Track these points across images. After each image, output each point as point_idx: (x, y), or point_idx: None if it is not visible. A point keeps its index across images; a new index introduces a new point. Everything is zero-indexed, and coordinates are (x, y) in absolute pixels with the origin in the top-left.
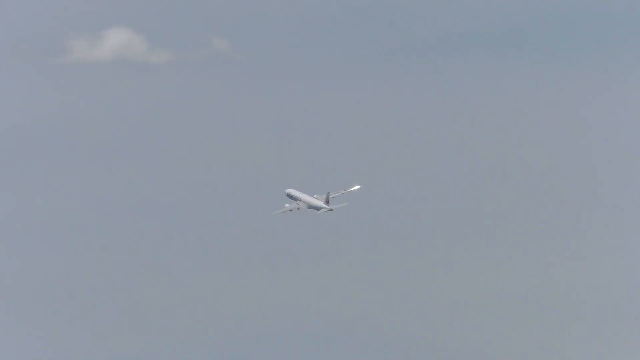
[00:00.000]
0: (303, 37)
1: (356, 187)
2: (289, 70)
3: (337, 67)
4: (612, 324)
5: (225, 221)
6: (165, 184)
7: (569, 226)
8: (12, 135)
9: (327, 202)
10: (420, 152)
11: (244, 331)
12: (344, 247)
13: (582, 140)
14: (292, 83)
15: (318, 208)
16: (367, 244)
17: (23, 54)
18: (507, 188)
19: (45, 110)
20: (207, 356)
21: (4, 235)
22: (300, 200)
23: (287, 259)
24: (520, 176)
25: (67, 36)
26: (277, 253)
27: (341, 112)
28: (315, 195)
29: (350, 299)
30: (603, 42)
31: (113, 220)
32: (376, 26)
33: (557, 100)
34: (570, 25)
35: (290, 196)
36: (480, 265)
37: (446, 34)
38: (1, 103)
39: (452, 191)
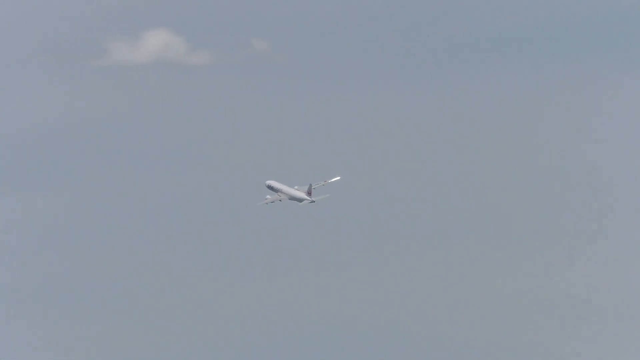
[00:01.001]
0: (342, 38)
1: (336, 179)
2: (327, 71)
3: (375, 67)
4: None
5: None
6: (207, 182)
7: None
8: (54, 136)
9: (309, 193)
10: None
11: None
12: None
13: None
14: (330, 84)
15: (300, 199)
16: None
17: (63, 56)
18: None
19: (86, 112)
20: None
21: (47, 232)
22: (281, 191)
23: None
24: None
25: (106, 38)
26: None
27: (383, 112)
28: (295, 187)
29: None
30: None
31: (157, 216)
32: (415, 27)
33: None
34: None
35: (271, 188)
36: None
37: (476, 35)
38: (43, 105)
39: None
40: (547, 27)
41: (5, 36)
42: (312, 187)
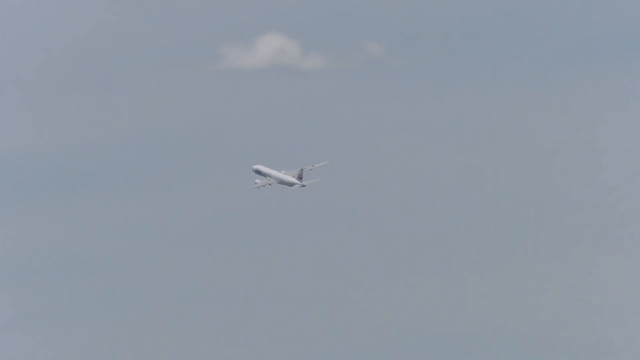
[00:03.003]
0: (456, 42)
1: (324, 163)
2: (442, 75)
3: (490, 71)
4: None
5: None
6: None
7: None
8: (171, 140)
9: (299, 178)
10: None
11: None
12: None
13: None
14: (445, 87)
15: (290, 184)
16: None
17: (178, 62)
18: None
19: (200, 117)
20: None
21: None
22: (270, 176)
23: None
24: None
25: (221, 44)
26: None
27: (497, 115)
28: (282, 171)
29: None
30: None
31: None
32: (531, 30)
33: None
34: None
35: (258, 172)
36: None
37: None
38: (158, 111)
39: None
40: None
41: (122, 43)
42: (303, 171)
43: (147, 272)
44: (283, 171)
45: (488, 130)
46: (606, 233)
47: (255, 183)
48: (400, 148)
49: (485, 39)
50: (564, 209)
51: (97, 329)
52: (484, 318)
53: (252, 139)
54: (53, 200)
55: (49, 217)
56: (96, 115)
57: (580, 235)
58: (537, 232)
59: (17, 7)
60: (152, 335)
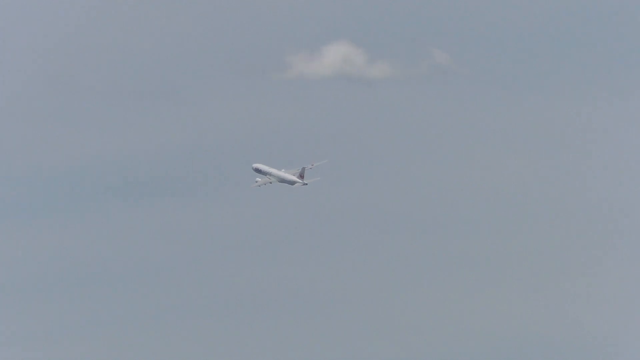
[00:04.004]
0: (523, 50)
1: (324, 161)
2: (509, 83)
3: (557, 78)
4: None
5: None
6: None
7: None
8: (237, 147)
9: (301, 176)
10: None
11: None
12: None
13: None
14: (512, 95)
15: (292, 182)
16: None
17: (246, 70)
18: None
19: (267, 125)
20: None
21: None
22: (270, 174)
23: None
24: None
25: (288, 52)
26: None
27: (567, 123)
28: (282, 170)
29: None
30: None
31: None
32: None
33: None
34: None
35: (258, 171)
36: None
37: None
38: (226, 118)
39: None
40: None
41: (190, 52)
42: (304, 169)
43: (227, 279)
44: (283, 170)
45: (555, 137)
46: None
47: (256, 181)
48: (468, 154)
49: (552, 46)
50: None
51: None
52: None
53: (319, 145)
54: (123, 206)
55: (121, 221)
56: (164, 122)
57: None
58: (609, 239)
59: (89, 19)
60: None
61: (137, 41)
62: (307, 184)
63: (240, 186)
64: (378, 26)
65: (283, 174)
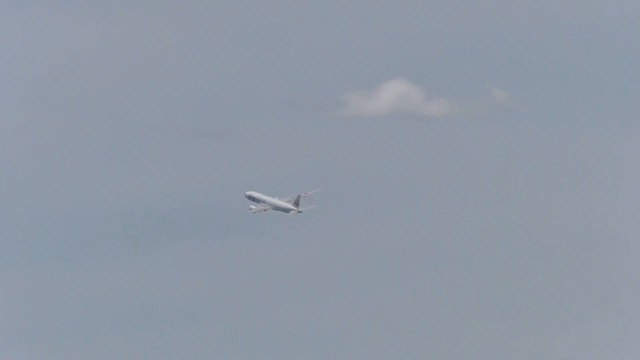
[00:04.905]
0: (583, 88)
1: (317, 190)
2: (569, 121)
3: (619, 117)
4: None
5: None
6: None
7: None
8: (294, 185)
9: (296, 204)
10: None
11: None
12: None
13: None
14: (572, 134)
15: (286, 210)
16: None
17: (302, 108)
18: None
19: (325, 163)
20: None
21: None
22: (264, 202)
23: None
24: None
25: (344, 90)
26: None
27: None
28: (275, 198)
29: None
30: None
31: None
32: None
33: None
34: None
35: (252, 198)
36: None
37: None
38: (282, 156)
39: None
40: None
41: (247, 89)
42: (302, 197)
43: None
44: (276, 198)
45: (619, 176)
46: None
47: (250, 209)
48: (526, 193)
49: (614, 83)
50: None
51: None
52: None
53: (376, 184)
54: (181, 244)
55: (182, 258)
56: (220, 161)
57: None
58: None
59: (143, 56)
60: None
61: (195, 78)
62: (302, 212)
63: (295, 224)
64: (435, 63)
65: (277, 201)
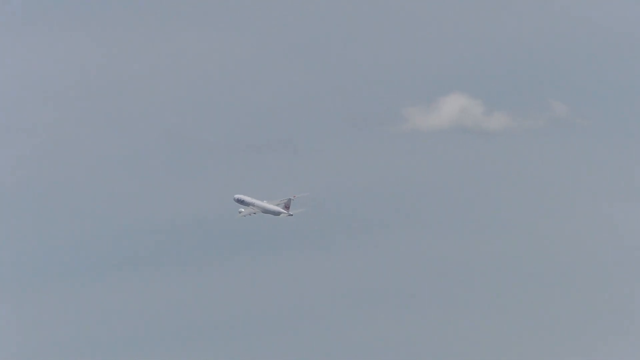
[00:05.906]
0: None
1: (305, 193)
2: (630, 135)
3: None
4: None
5: None
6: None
7: None
8: (352, 200)
9: (287, 207)
10: None
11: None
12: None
13: None
14: (633, 147)
15: (276, 213)
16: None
17: (362, 123)
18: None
19: (384, 178)
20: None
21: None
22: (254, 205)
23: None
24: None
25: (404, 105)
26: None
27: None
28: (264, 201)
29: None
30: None
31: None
32: None
33: None
34: None
35: (241, 201)
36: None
37: None
38: (342, 171)
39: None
40: None
41: (307, 104)
42: (290, 201)
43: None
44: (265, 201)
45: None
46: None
47: (240, 212)
48: (589, 207)
49: None
50: None
51: None
52: None
53: (436, 198)
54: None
55: (235, 274)
56: (281, 175)
57: None
58: None
59: (203, 75)
60: None
61: (256, 93)
62: (292, 215)
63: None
64: (495, 77)
65: (266, 204)
